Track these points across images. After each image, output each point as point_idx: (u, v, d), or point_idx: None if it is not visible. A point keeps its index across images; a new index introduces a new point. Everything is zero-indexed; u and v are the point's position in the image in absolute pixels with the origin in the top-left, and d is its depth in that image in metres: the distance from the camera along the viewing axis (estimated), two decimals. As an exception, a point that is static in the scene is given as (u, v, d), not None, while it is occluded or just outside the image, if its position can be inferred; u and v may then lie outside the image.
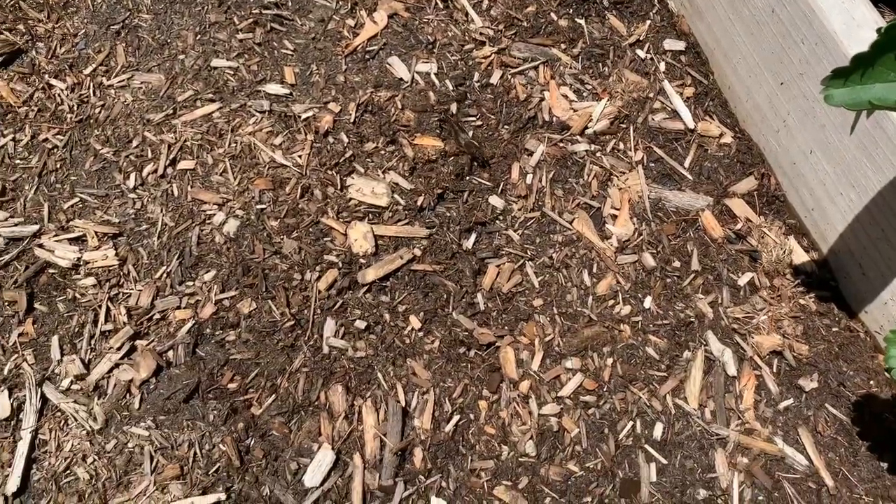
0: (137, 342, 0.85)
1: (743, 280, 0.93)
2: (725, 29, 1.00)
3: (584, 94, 1.05)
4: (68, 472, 0.79)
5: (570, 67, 1.07)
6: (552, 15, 1.10)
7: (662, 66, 1.07)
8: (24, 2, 1.07)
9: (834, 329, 0.90)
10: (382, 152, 1.00)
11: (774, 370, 0.87)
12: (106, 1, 1.08)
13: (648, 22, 1.10)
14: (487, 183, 0.99)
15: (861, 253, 0.87)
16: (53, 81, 1.01)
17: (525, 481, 0.80)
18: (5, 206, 0.94)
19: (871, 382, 0.86)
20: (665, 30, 1.09)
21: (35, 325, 0.85)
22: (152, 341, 0.85)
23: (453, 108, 1.03)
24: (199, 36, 1.06)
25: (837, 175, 0.86)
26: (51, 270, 0.90)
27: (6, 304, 0.87)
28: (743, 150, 1.01)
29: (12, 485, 0.76)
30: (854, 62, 0.62)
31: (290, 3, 1.10)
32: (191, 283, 0.90)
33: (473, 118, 1.03)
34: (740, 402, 0.84)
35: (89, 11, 1.07)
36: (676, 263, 0.94)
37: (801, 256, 0.94)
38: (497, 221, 0.96)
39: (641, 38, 1.09)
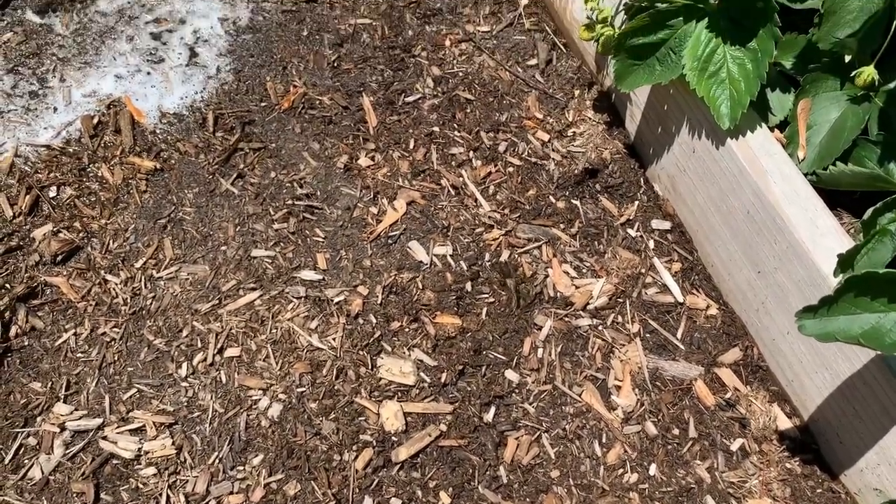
0: (198, 532, 0.94)
1: (735, 445, 1.04)
2: (706, 217, 1.14)
3: (584, 271, 1.18)
4: None
5: (570, 246, 1.20)
6: (551, 198, 1.25)
7: (651, 244, 1.21)
8: (79, 200, 1.19)
9: (818, 490, 1.01)
10: (407, 330, 1.12)
11: (770, 536, 0.97)
12: (152, 196, 1.21)
13: (637, 203, 1.24)
14: (503, 357, 1.10)
15: (838, 424, 0.99)
16: (108, 276, 1.12)
17: None
18: (70, 399, 1.03)
19: (855, 545, 0.96)
20: (652, 210, 1.24)
21: (103, 519, 0.94)
22: (211, 530, 0.94)
23: (468, 286, 1.16)
24: (239, 227, 1.19)
25: (812, 357, 0.99)
26: (114, 461, 0.99)
27: (75, 495, 0.96)
28: (728, 322, 1.14)
29: None
30: (821, 302, 0.76)
31: (318, 193, 1.23)
32: (241, 468, 0.99)
33: (486, 295, 1.16)
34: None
35: (138, 207, 1.19)
36: (676, 431, 1.05)
37: (784, 422, 1.06)
38: (513, 394, 1.08)
39: (631, 218, 1.23)
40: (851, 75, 1.01)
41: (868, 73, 0.98)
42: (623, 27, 1.10)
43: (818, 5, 1.01)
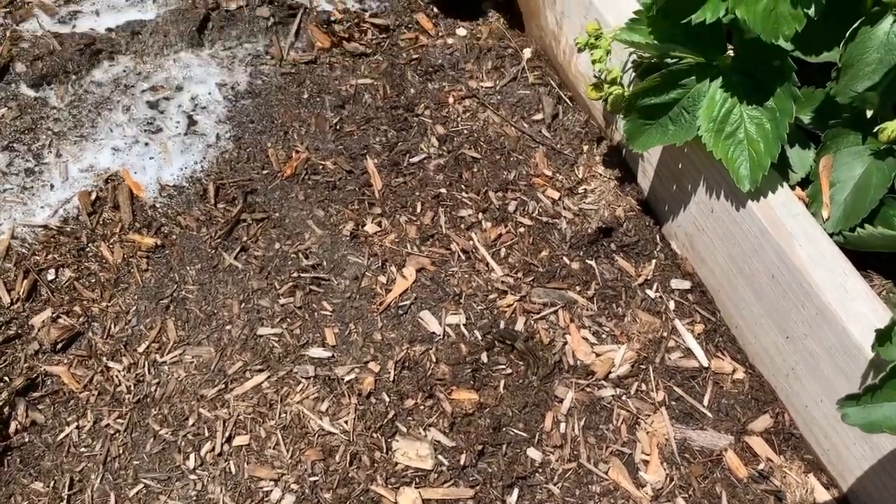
0: None
1: (772, 521, 0.99)
2: (727, 277, 1.10)
3: (604, 336, 1.14)
4: None
5: (587, 309, 1.16)
6: (565, 259, 1.21)
7: (672, 305, 1.16)
8: (78, 282, 1.15)
9: (864, 567, 0.95)
10: (422, 408, 1.07)
11: None
12: (154, 274, 1.17)
13: (654, 262, 1.20)
14: (524, 434, 1.06)
15: (880, 497, 0.94)
16: (111, 363, 1.08)
17: None
18: (74, 499, 0.98)
19: None
20: (670, 269, 1.20)
21: None
22: None
23: (484, 357, 1.11)
24: (244, 304, 1.15)
25: (849, 428, 0.94)
26: (120, 567, 0.94)
27: None
28: (756, 387, 1.09)
29: None
30: (865, 390, 0.71)
31: (325, 264, 1.19)
32: (254, 567, 0.94)
33: (503, 366, 1.11)
34: None
35: (139, 287, 1.15)
36: (709, 507, 1.00)
37: (822, 494, 1.01)
38: (537, 474, 1.03)
39: (649, 278, 1.19)
40: (874, 130, 0.97)
41: (892, 127, 0.94)
42: (633, 87, 1.07)
43: (835, 58, 0.97)
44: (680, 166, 1.13)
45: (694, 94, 1.02)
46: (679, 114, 1.04)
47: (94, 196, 1.24)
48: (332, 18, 1.46)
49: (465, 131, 1.36)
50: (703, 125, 1.00)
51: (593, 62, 1.11)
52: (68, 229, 1.21)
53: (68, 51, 1.38)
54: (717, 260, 1.11)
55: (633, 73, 1.11)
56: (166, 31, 1.42)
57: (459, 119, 1.38)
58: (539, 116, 1.37)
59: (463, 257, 1.21)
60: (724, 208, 1.05)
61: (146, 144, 1.31)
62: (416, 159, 1.32)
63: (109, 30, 1.43)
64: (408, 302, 1.16)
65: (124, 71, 1.40)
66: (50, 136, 1.31)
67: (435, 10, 1.51)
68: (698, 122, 1.00)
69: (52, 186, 1.25)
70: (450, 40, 1.48)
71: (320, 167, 1.30)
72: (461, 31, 1.49)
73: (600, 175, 1.29)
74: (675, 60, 1.05)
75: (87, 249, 1.19)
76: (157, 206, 1.25)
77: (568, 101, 1.38)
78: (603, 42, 1.11)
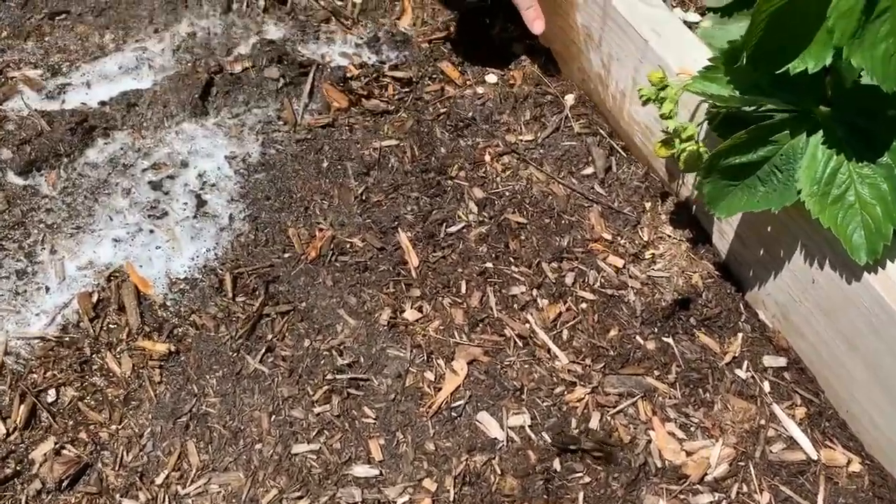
0: None
1: None
2: (835, 355, 0.97)
3: (693, 430, 1.01)
4: None
5: (670, 398, 1.03)
6: (637, 338, 1.08)
7: (767, 386, 1.03)
8: (82, 402, 1.03)
9: None
10: (490, 531, 0.94)
11: None
12: (169, 387, 1.05)
13: (741, 335, 1.08)
14: (611, 556, 0.92)
15: None
16: (125, 501, 0.96)
17: None
18: None
19: None
20: (760, 343, 1.07)
21: None
22: None
23: (556, 465, 0.98)
24: (274, 416, 1.02)
25: None
26: None
27: None
28: (878, 482, 0.96)
29: None
30: None
31: (362, 360, 1.07)
32: None
33: (580, 474, 0.98)
34: None
35: (153, 404, 1.03)
36: None
37: None
38: None
39: (737, 356, 1.06)
40: None
41: None
42: (706, 139, 0.95)
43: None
44: (769, 229, 1.01)
45: (788, 151, 0.90)
46: (770, 173, 0.92)
47: (95, 297, 1.12)
48: (349, 75, 1.35)
49: (507, 193, 1.24)
50: (806, 188, 0.87)
51: (662, 117, 0.99)
52: (68, 339, 1.09)
53: (58, 131, 1.27)
54: (821, 335, 0.98)
55: (707, 125, 0.99)
56: (165, 100, 1.31)
57: (499, 179, 1.26)
58: (589, 171, 1.25)
59: (520, 344, 1.08)
60: (830, 280, 0.93)
61: (151, 232, 1.20)
62: (454, 229, 1.20)
63: (103, 103, 1.32)
64: (461, 402, 1.04)
65: (122, 149, 1.28)
66: (42, 229, 1.19)
67: (460, 56, 1.40)
68: (798, 185, 0.88)
69: (47, 289, 1.13)
70: (479, 89, 1.36)
71: (348, 246, 1.18)
72: (491, 79, 1.37)
73: (668, 237, 1.16)
74: (756, 108, 0.93)
75: (91, 362, 1.07)
76: (168, 304, 1.13)
77: (621, 151, 1.26)
78: (670, 92, 0.99)
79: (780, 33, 0.79)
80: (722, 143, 0.91)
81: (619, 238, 1.17)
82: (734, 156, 0.92)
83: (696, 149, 0.98)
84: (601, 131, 1.28)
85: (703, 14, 1.16)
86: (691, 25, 1.16)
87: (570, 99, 1.31)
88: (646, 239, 1.16)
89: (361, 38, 1.42)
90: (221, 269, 1.16)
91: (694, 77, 0.94)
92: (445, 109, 1.33)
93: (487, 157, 1.28)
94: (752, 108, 0.91)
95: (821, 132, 0.88)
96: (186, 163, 1.28)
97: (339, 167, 1.27)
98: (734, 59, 0.90)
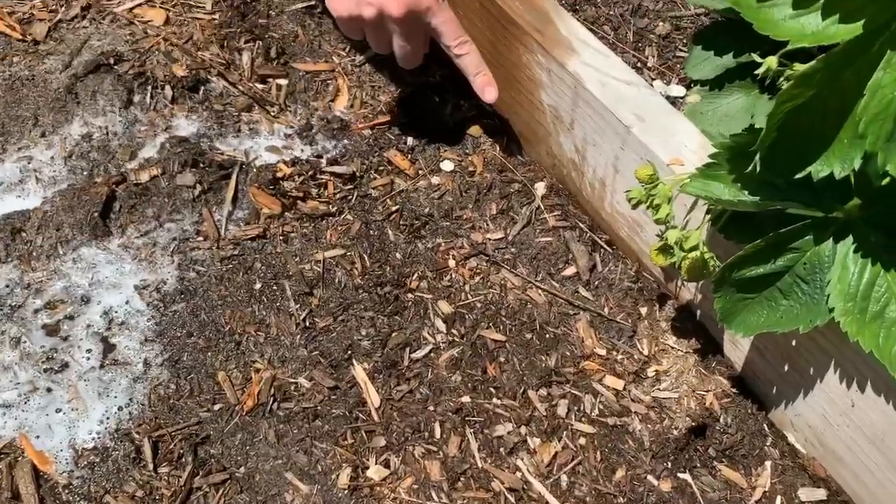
0: None
1: None
2: (879, 481, 0.89)
3: (727, 591, 0.91)
4: None
5: (696, 551, 0.94)
6: (650, 478, 0.99)
7: (808, 526, 0.95)
8: None
9: None
10: None
11: None
12: None
13: (769, 463, 1.00)
14: None
15: None
16: None
17: None
18: None
19: None
20: (793, 471, 0.99)
21: None
22: None
23: None
24: None
25: None
26: None
27: None
28: None
29: None
30: None
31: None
32: None
33: None
34: None
35: None
36: None
37: None
38: None
39: (768, 490, 0.98)
40: None
41: None
42: (710, 246, 0.88)
43: None
44: (793, 343, 0.93)
45: (812, 260, 0.83)
46: (793, 284, 0.85)
47: (-20, 485, 0.99)
48: (279, 174, 1.25)
49: (479, 304, 1.15)
50: (839, 305, 0.80)
51: (657, 221, 0.92)
52: (-53, 545, 0.94)
53: (-74, 271, 1.13)
54: (867, 463, 0.91)
55: (710, 224, 0.92)
56: (59, 222, 1.19)
57: (467, 287, 1.17)
58: (571, 271, 1.17)
59: (512, 499, 0.98)
60: (873, 403, 0.85)
61: (49, 391, 1.07)
62: (419, 354, 1.11)
63: (-20, 231, 1.19)
64: (448, 580, 0.93)
65: (7, 286, 1.16)
66: None
67: (409, 140, 1.32)
68: (830, 302, 0.81)
69: (-83, 480, 0.99)
70: (435, 180, 1.28)
71: (292, 388, 1.07)
72: (447, 166, 1.29)
73: (672, 348, 1.08)
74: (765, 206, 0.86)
75: (-22, 574, 0.93)
76: (75, 483, 1.00)
77: (606, 246, 1.18)
78: (662, 191, 0.92)
79: (798, 133, 0.73)
80: (734, 256, 0.84)
81: (614, 353, 1.09)
82: (749, 267, 0.85)
83: (699, 255, 0.91)
84: (580, 224, 1.20)
85: (687, 87, 1.10)
86: (676, 101, 1.10)
87: (540, 187, 1.24)
88: (646, 353, 1.08)
89: (291, 128, 1.33)
90: (138, 433, 1.03)
91: (692, 175, 0.87)
92: (397, 207, 1.24)
93: (452, 262, 1.19)
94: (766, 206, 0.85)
95: (850, 238, 0.81)
96: (88, 298, 1.15)
97: (275, 288, 1.16)
98: (739, 155, 0.84)
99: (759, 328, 0.87)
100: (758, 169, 0.75)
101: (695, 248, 0.89)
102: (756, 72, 0.86)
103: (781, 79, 0.91)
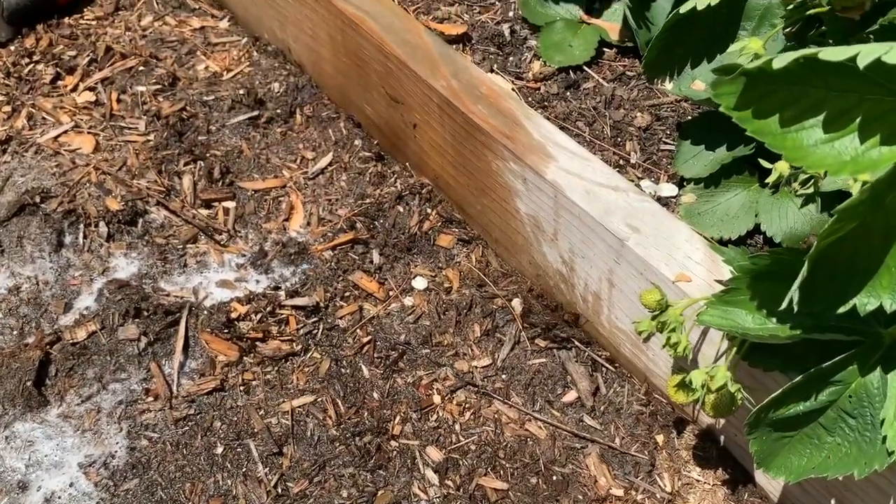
0: None
1: None
2: None
3: None
4: None
5: None
6: None
7: None
8: None
9: None
10: None
11: None
12: None
13: None
14: None
15: None
16: None
17: None
18: None
19: None
20: None
21: None
22: None
23: None
24: None
25: None
26: None
27: None
28: None
29: None
30: None
31: None
32: None
33: None
34: None
35: None
36: None
37: None
38: None
39: None
40: None
41: None
42: (735, 384, 0.78)
43: None
44: (840, 478, 0.82)
45: (859, 392, 0.73)
46: (837, 420, 0.74)
47: None
48: (233, 314, 1.12)
49: (472, 446, 1.02)
50: (898, 447, 0.69)
51: (675, 357, 0.80)
52: None
53: None
54: None
55: (734, 352, 0.81)
56: (-15, 396, 1.05)
57: (458, 427, 1.04)
58: (572, 396, 1.05)
59: None
60: (948, 551, 0.74)
61: None
62: (411, 513, 0.97)
63: None
64: None
65: (-74, 481, 1.00)
66: None
67: (375, 258, 1.20)
68: (890, 444, 0.70)
69: None
70: (408, 301, 1.16)
71: (270, 572, 0.93)
72: (420, 284, 1.18)
73: (698, 481, 0.96)
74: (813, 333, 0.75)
75: None
76: None
77: (607, 365, 1.07)
78: (673, 316, 0.81)
79: (839, 264, 0.63)
80: (769, 398, 0.73)
81: (633, 492, 0.97)
82: (787, 405, 0.74)
83: (726, 388, 0.80)
84: (576, 341, 1.09)
85: (678, 184, 1.00)
86: (668, 201, 1.01)
87: (517, 304, 1.12)
88: (669, 489, 0.96)
89: (244, 256, 1.21)
90: None
91: (709, 302, 0.77)
92: (369, 337, 1.12)
93: (437, 397, 1.07)
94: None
95: (899, 365, 0.70)
96: (25, 484, 1.01)
97: (239, 450, 1.03)
98: (761, 278, 0.73)
99: (806, 472, 0.76)
100: (795, 307, 0.64)
101: (723, 388, 0.78)
102: (767, 180, 0.76)
103: (795, 183, 0.82)
